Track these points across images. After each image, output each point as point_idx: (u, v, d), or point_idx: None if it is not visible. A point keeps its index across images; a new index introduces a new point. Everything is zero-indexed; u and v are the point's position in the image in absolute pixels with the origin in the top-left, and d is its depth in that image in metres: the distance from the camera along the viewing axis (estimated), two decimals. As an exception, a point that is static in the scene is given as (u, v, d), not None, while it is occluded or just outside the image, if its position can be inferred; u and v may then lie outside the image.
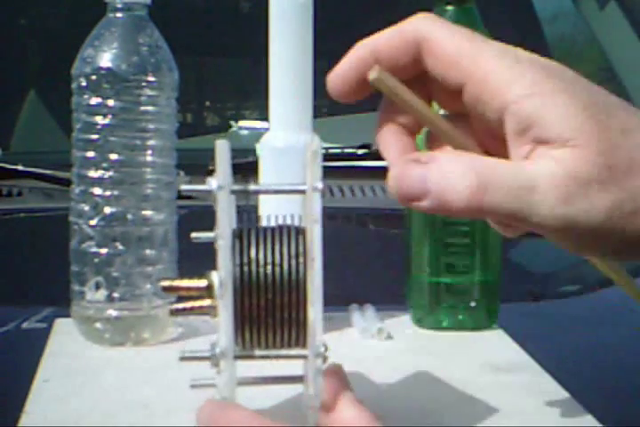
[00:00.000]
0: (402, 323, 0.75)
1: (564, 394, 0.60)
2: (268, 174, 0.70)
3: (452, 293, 0.74)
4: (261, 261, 0.47)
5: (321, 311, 0.45)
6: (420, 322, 0.74)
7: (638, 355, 0.75)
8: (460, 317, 0.74)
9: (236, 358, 0.46)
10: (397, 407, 0.57)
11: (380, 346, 0.70)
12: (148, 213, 0.70)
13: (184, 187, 0.49)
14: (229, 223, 0.46)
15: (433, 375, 0.63)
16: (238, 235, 0.47)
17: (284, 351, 0.48)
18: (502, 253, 0.75)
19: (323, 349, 0.46)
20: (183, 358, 0.48)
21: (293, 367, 0.52)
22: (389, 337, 0.71)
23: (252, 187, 0.48)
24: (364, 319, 0.73)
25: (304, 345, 0.47)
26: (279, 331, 0.47)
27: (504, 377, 0.64)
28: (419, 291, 0.74)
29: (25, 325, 0.75)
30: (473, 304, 0.74)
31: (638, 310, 0.89)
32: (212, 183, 0.47)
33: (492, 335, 0.73)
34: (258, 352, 0.48)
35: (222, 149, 0.47)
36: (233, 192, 0.47)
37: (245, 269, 0.46)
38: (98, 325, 0.69)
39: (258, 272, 0.46)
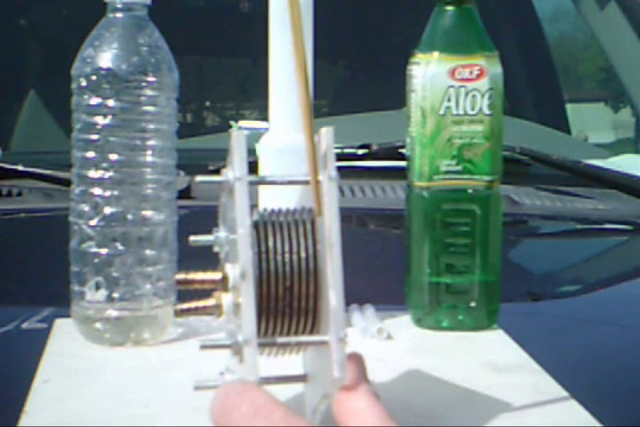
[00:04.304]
0: (402, 323, 0.75)
1: (564, 394, 0.60)
2: (267, 174, 0.69)
3: (452, 293, 0.74)
4: (279, 250, 0.47)
5: (342, 297, 0.45)
6: (420, 322, 0.74)
7: (638, 355, 0.75)
8: (460, 317, 0.74)
9: (259, 345, 0.46)
10: (397, 408, 0.57)
11: (379, 346, 0.70)
12: (148, 213, 0.70)
13: (200, 178, 0.49)
14: (248, 213, 0.46)
15: (433, 376, 0.63)
16: (254, 225, 0.47)
17: (304, 338, 0.48)
18: (502, 253, 0.75)
19: (344, 334, 0.46)
20: (204, 347, 0.48)
21: (293, 367, 0.52)
22: (389, 337, 0.71)
23: (267, 178, 0.49)
24: (364, 319, 0.73)
25: (323, 333, 0.47)
26: (298, 319, 0.47)
27: (504, 377, 0.63)
28: (419, 291, 0.74)
29: (25, 325, 0.75)
30: (473, 304, 0.74)
31: (638, 310, 0.89)
32: (229, 174, 0.47)
33: (491, 335, 0.73)
34: (279, 339, 0.48)
35: (239, 139, 0.47)
36: (249, 183, 0.47)
37: (264, 257, 0.47)
38: (98, 325, 0.69)
39: (276, 260, 0.47)
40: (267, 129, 0.72)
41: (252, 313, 0.45)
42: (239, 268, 0.45)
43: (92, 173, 0.69)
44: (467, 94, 0.72)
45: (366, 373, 0.47)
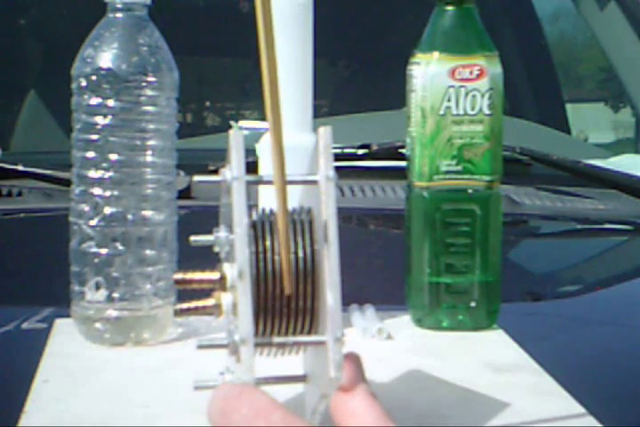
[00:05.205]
0: (402, 323, 0.75)
1: (563, 394, 0.60)
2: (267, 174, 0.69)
3: (452, 293, 0.74)
4: (277, 250, 0.47)
5: (339, 297, 0.45)
6: (420, 322, 0.74)
7: (638, 355, 0.75)
8: (460, 317, 0.74)
9: (256, 345, 0.46)
10: (397, 408, 0.57)
11: (379, 346, 0.70)
12: (148, 213, 0.70)
13: (198, 178, 0.49)
14: (245, 212, 0.46)
15: (433, 376, 0.63)
16: (252, 225, 0.47)
17: (301, 338, 0.48)
18: (502, 253, 0.75)
19: (341, 334, 0.46)
20: (201, 347, 0.48)
21: (293, 367, 0.52)
22: (389, 337, 0.71)
23: (265, 177, 0.49)
24: (364, 319, 0.73)
25: (321, 333, 0.47)
26: (295, 319, 0.47)
27: (504, 377, 0.63)
28: (419, 291, 0.74)
29: (25, 325, 0.75)
30: (473, 304, 0.74)
31: (638, 310, 0.89)
32: (227, 174, 0.47)
33: (491, 335, 0.73)
34: (276, 339, 0.48)
35: (237, 139, 0.47)
36: (247, 183, 0.47)
37: (261, 256, 0.47)
38: (98, 325, 0.69)
39: (273, 260, 0.47)
40: (267, 129, 0.72)
41: (249, 313, 0.45)
42: (236, 267, 0.45)
43: (92, 173, 0.69)
44: (467, 94, 0.72)
45: (364, 373, 0.47)
